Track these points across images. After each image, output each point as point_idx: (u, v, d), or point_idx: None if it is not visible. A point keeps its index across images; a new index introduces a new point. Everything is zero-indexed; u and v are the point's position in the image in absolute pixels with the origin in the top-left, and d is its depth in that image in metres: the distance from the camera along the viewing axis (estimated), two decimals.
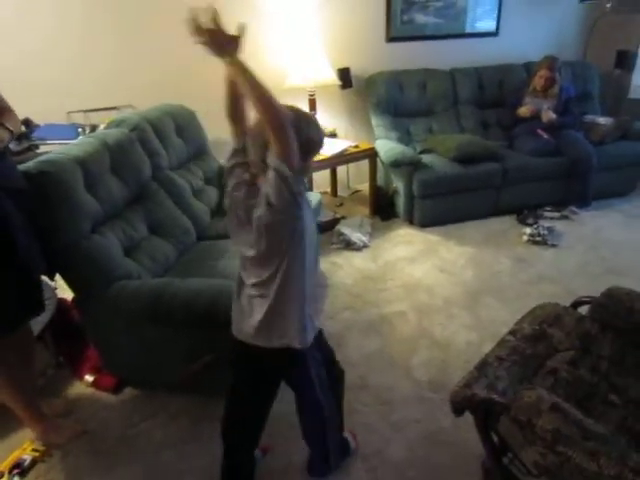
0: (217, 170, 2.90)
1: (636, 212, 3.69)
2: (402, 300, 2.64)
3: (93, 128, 2.83)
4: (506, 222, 3.54)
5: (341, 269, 2.97)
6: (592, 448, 1.09)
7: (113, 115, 2.83)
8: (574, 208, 3.66)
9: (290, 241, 1.19)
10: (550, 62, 3.71)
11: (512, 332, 1.66)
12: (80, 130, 2.80)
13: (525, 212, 3.56)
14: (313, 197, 2.85)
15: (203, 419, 1.93)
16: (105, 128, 2.43)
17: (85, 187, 1.88)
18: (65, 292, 2.07)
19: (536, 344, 1.59)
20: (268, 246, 1.19)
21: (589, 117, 4.01)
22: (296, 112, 1.23)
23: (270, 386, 1.48)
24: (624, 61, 4.35)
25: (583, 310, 1.75)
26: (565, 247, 3.20)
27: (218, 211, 2.73)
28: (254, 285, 1.28)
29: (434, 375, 2.11)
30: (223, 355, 1.67)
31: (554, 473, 1.15)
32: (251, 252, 1.23)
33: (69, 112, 2.97)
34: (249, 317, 1.31)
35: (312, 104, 3.52)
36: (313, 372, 1.41)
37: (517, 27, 4.29)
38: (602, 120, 3.91)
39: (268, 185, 1.12)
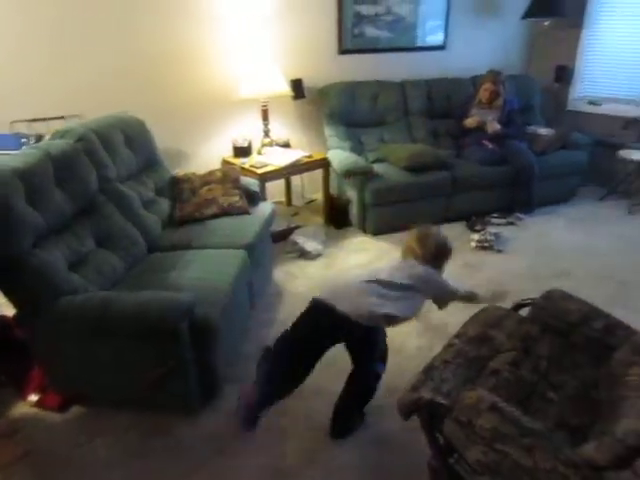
0: (169, 180, 2.87)
1: (577, 217, 3.89)
2: None
3: (39, 138, 2.74)
4: (456, 229, 3.66)
5: (296, 278, 2.98)
6: (528, 444, 1.15)
7: (60, 125, 2.75)
8: (519, 214, 3.82)
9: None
10: (494, 76, 3.88)
11: (457, 335, 1.72)
12: (24, 140, 2.71)
13: (473, 219, 3.69)
14: (266, 207, 2.86)
15: (152, 435, 1.90)
16: (50, 139, 2.36)
17: (26, 200, 1.82)
18: (7, 309, 1.99)
19: (480, 346, 1.65)
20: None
21: (531, 128, 4.21)
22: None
23: (328, 347, 1.81)
24: (562, 75, 4.60)
25: (525, 312, 1.84)
26: (511, 252, 3.33)
27: (170, 222, 2.69)
28: (394, 293, 1.72)
29: (387, 380, 2.14)
30: (174, 368, 1.65)
31: (495, 470, 1.19)
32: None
33: (13, 122, 2.86)
34: (369, 302, 1.67)
35: (265, 115, 3.53)
36: (380, 347, 1.93)
37: (463, 42, 4.47)
38: (543, 131, 4.12)
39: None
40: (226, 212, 2.71)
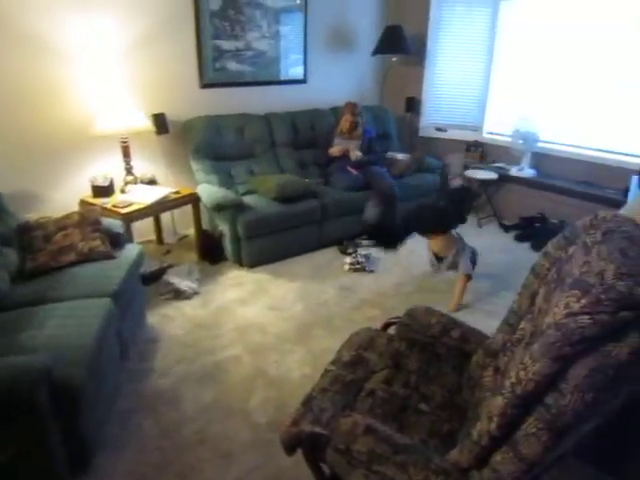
0: (16, 228, 2.58)
1: None
2: (236, 344, 2.62)
3: None
4: (329, 254, 3.79)
5: (172, 321, 2.84)
6: (401, 461, 1.20)
7: None
8: None
9: None
10: (352, 107, 4.14)
11: (333, 362, 1.76)
12: None
13: (345, 243, 3.86)
14: (132, 249, 2.70)
15: None
16: None
17: None
18: None
19: (355, 369, 1.71)
20: None
21: (390, 154, 4.55)
22: None
23: None
24: (412, 105, 5.06)
25: (393, 330, 1.95)
26: (382, 271, 3.53)
27: (20, 275, 2.41)
28: None
29: (272, 415, 2.13)
30: (30, 447, 1.47)
31: None
32: None
33: None
34: None
35: (126, 151, 3.37)
36: None
37: (322, 75, 4.72)
38: (400, 156, 4.48)
39: None
40: (87, 258, 2.51)
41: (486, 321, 2.86)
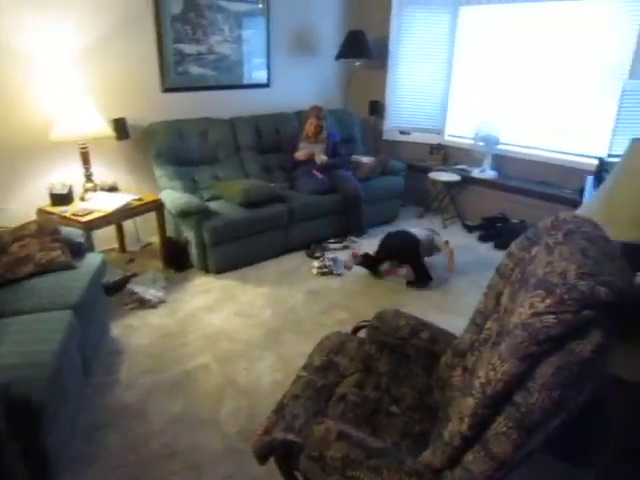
0: None
1: None
2: (204, 352, 2.58)
3: None
4: (297, 258, 3.78)
5: (137, 331, 2.77)
6: (375, 464, 1.20)
7: None
8: (353, 237, 4.11)
9: None
10: (317, 111, 4.15)
11: (305, 367, 1.75)
12: None
13: (312, 246, 3.86)
14: (94, 259, 2.62)
15: None
16: None
17: None
18: None
19: (326, 374, 1.70)
20: None
21: (355, 157, 4.59)
22: None
23: None
24: (376, 109, 5.12)
25: (363, 334, 1.95)
26: (349, 274, 3.54)
27: None
28: None
29: (243, 424, 2.10)
30: None
31: None
32: None
33: None
34: None
35: (85, 158, 3.27)
36: None
37: (286, 80, 4.71)
38: (365, 159, 4.52)
39: None
40: (46, 269, 2.41)
41: (454, 321, 2.91)
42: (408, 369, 1.77)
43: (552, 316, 0.96)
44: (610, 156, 3.35)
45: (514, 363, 0.99)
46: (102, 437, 2.01)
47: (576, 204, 3.87)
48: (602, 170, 3.37)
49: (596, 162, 3.62)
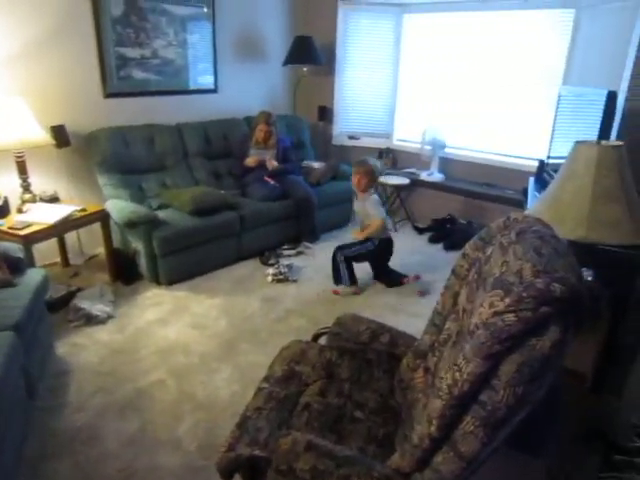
0: None
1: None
2: (158, 367, 2.48)
3: None
4: (251, 265, 3.72)
5: (85, 349, 2.62)
6: (344, 473, 1.19)
7: None
8: (307, 243, 4.09)
9: None
10: (266, 117, 4.11)
11: (266, 378, 1.72)
12: None
13: (266, 253, 3.82)
14: (35, 274, 2.47)
15: None
16: None
17: None
18: None
19: (288, 384, 1.67)
20: None
21: (306, 162, 4.59)
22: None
23: None
24: (324, 114, 5.15)
25: (323, 340, 1.94)
26: (304, 280, 3.53)
27: None
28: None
29: (203, 440, 2.03)
30: None
31: None
32: None
33: None
34: None
35: (21, 167, 3.09)
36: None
37: (233, 85, 4.65)
38: (316, 164, 4.53)
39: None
40: None
41: (410, 322, 2.96)
42: (370, 373, 1.77)
43: (512, 314, 0.98)
44: (550, 158, 3.51)
45: (478, 363, 1.00)
46: (51, 467, 1.88)
47: (519, 204, 4.05)
48: (542, 171, 3.54)
49: (537, 164, 3.80)
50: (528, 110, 4.19)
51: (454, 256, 3.96)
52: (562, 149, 3.75)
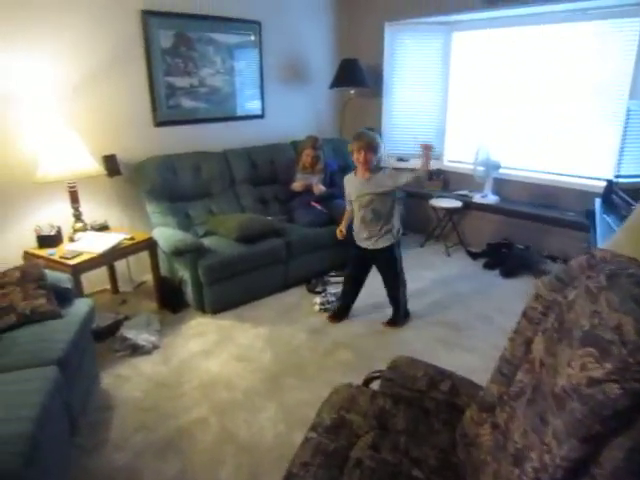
0: None
1: (404, 265, 4.12)
2: (201, 404, 2.38)
3: None
4: (297, 294, 3.61)
5: (128, 381, 2.57)
6: None
7: None
8: None
9: None
10: (313, 141, 4.04)
11: (313, 427, 1.57)
12: None
13: (313, 281, 3.70)
14: (81, 305, 2.45)
15: None
16: None
17: None
18: None
19: (338, 435, 1.52)
20: None
21: None
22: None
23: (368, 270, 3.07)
24: None
25: (375, 385, 1.78)
26: (352, 310, 3.35)
27: None
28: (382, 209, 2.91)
29: None
30: None
31: None
32: None
33: None
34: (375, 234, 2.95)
35: (73, 196, 3.13)
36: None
37: (279, 110, 4.63)
38: None
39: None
40: (30, 320, 2.24)
41: (465, 358, 2.75)
42: (428, 425, 1.59)
43: (616, 385, 0.80)
44: (619, 177, 3.24)
45: (575, 445, 0.83)
46: None
47: (582, 227, 3.76)
48: (611, 192, 3.26)
49: (603, 184, 3.52)
50: (589, 127, 3.92)
51: (512, 284, 3.77)
52: (633, 168, 3.47)
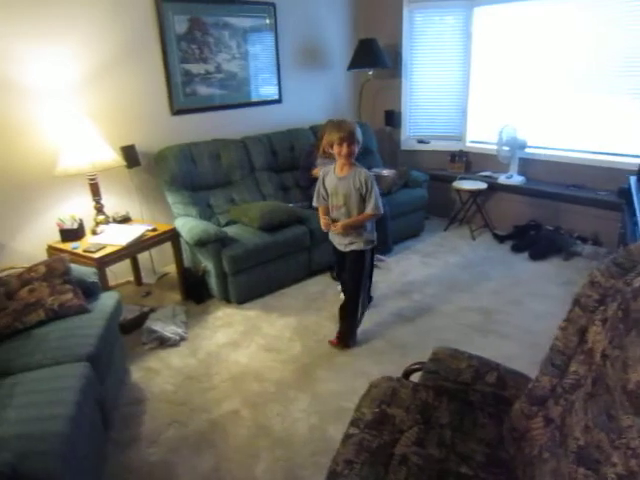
0: None
1: (429, 250, 4.07)
2: (232, 396, 2.35)
3: None
4: (321, 282, 3.55)
5: (158, 374, 2.55)
6: None
7: None
8: (380, 256, 3.86)
9: None
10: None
11: (354, 422, 1.52)
12: None
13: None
14: (108, 299, 2.42)
15: None
16: None
17: None
18: None
19: (381, 431, 1.47)
20: None
21: (375, 170, 4.34)
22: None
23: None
24: (391, 119, 4.90)
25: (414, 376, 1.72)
26: (380, 297, 3.30)
27: None
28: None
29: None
30: None
31: None
32: None
33: None
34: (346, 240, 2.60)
35: (94, 189, 3.09)
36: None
37: (297, 94, 4.53)
38: (386, 172, 4.28)
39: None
40: (57, 315, 2.21)
41: (500, 345, 2.67)
42: (473, 418, 1.52)
43: None
44: None
45: None
46: None
47: (615, 207, 3.63)
48: None
49: (637, 161, 3.38)
50: (620, 102, 3.75)
51: (541, 267, 3.67)
52: None
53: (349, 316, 2.72)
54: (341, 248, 2.67)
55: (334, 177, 2.56)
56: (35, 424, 1.54)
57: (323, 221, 2.62)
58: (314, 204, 2.69)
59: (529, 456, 1.33)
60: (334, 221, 2.59)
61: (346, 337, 2.73)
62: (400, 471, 1.35)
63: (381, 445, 1.42)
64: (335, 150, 2.46)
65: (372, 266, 2.89)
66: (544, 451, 1.26)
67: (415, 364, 1.71)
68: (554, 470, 1.17)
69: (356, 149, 2.46)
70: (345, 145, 2.41)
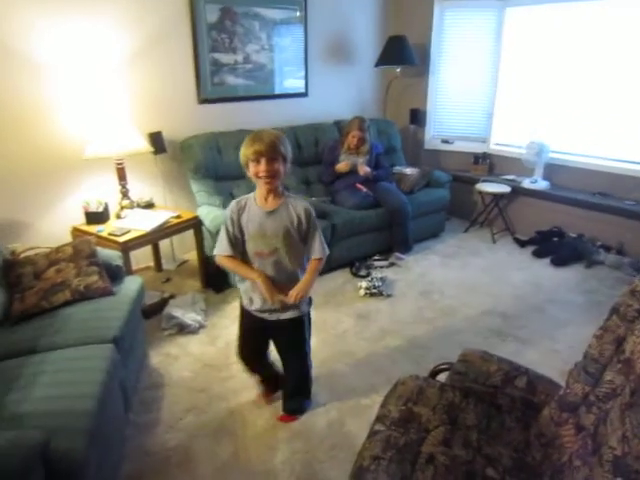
0: (1, 264, 2.30)
1: (449, 251, 4.04)
2: (250, 387, 2.34)
3: None
4: (341, 277, 3.54)
5: (177, 361, 2.56)
6: None
7: None
8: (399, 254, 3.85)
9: None
10: (360, 122, 3.90)
11: (380, 419, 1.51)
12: None
13: (357, 264, 3.62)
14: (132, 283, 2.44)
15: None
16: None
17: None
18: None
19: (407, 429, 1.46)
20: None
21: (397, 168, 4.34)
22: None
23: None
24: (416, 117, 4.87)
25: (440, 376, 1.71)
26: (399, 295, 3.28)
27: (6, 318, 2.13)
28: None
29: (301, 475, 1.86)
30: None
31: None
32: None
33: None
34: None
35: (121, 174, 3.12)
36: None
37: (323, 88, 4.51)
38: (409, 171, 4.27)
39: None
40: (83, 296, 2.24)
41: (522, 351, 2.65)
42: (500, 422, 1.51)
43: None
44: None
45: None
46: None
47: None
48: None
49: None
50: None
51: (563, 274, 3.62)
52: None
53: (303, 393, 2.20)
54: (272, 318, 1.93)
55: (258, 212, 1.83)
56: (63, 402, 1.56)
57: (268, 292, 1.82)
58: (218, 253, 1.96)
59: (558, 463, 1.31)
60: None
61: (302, 409, 2.20)
62: (427, 470, 1.34)
63: (408, 443, 1.41)
64: (251, 171, 1.77)
65: (310, 321, 2.15)
66: (575, 459, 1.24)
67: (443, 364, 1.70)
68: (587, 478, 1.16)
69: (282, 168, 1.75)
70: (264, 161, 1.71)
